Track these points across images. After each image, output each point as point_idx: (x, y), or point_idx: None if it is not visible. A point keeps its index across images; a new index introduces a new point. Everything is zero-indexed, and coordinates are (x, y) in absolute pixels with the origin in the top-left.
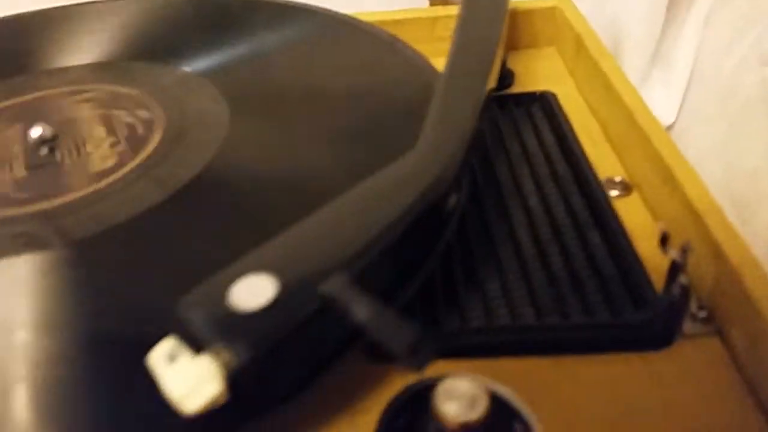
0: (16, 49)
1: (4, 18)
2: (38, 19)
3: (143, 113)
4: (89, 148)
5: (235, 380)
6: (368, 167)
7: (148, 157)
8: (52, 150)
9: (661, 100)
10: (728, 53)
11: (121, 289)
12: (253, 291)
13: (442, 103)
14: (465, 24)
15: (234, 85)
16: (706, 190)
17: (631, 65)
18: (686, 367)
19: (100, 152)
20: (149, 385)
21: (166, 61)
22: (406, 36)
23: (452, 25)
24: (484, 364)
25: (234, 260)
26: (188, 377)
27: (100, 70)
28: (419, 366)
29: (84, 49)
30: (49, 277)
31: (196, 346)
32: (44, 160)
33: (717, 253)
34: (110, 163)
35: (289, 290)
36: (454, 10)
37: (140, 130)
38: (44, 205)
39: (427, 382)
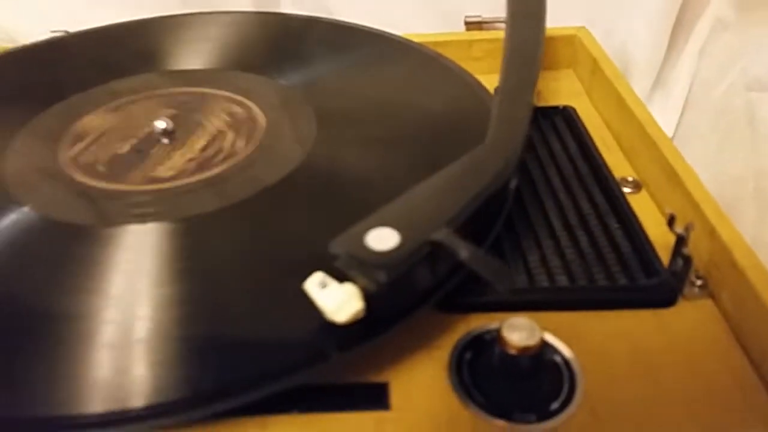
0: (136, 49)
1: (121, 24)
2: (148, 26)
3: (250, 115)
4: (207, 140)
5: (370, 301)
6: (433, 166)
7: (253, 152)
8: (172, 140)
9: (660, 118)
10: (719, 79)
11: (222, 255)
12: (381, 239)
13: (504, 110)
14: (512, 50)
15: (318, 97)
16: (703, 185)
17: (636, 88)
18: (687, 322)
19: (216, 144)
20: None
21: (261, 72)
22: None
23: (486, 47)
24: (529, 317)
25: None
26: (337, 298)
27: (210, 75)
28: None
29: (194, 56)
30: (167, 241)
31: (339, 277)
32: (166, 148)
33: (712, 234)
34: (222, 155)
35: (408, 238)
36: (488, 34)
37: (248, 129)
38: (167, 185)
39: (485, 328)
